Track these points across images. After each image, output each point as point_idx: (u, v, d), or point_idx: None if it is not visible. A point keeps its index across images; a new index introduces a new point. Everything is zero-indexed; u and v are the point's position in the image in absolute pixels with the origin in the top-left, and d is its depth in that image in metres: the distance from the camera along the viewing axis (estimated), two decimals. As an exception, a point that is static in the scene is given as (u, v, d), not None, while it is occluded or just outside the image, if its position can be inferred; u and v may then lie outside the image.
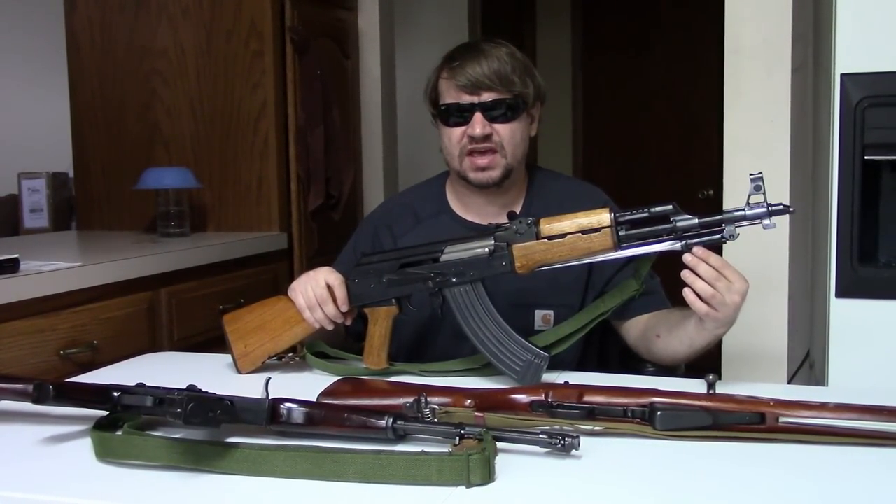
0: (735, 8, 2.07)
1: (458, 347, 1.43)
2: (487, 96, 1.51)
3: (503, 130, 1.53)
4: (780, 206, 1.20)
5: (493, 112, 1.52)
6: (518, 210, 1.60)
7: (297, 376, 1.44)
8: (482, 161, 1.53)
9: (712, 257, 1.25)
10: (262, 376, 1.12)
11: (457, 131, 1.54)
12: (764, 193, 1.20)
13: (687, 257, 1.25)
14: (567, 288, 1.56)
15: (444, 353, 1.47)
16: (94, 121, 2.94)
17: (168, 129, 2.86)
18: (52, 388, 1.09)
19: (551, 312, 1.56)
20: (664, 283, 1.58)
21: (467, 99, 1.52)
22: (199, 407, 0.99)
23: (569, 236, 1.28)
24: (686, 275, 1.26)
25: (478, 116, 1.51)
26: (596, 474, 0.97)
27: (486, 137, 1.52)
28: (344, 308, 1.42)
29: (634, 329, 1.56)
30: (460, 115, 1.53)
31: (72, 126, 2.98)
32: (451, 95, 1.54)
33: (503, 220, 1.36)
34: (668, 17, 4.43)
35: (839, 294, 1.78)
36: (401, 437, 1.04)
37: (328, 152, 2.94)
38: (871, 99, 1.73)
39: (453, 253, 1.35)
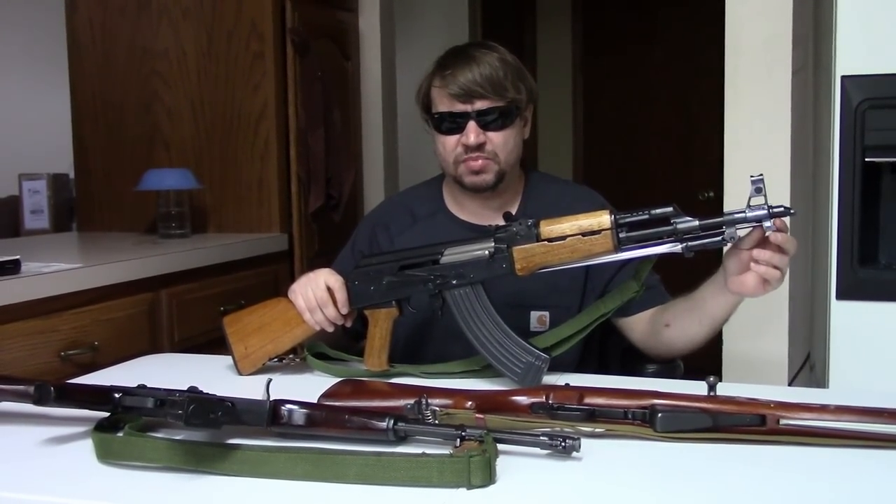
0: (735, 9, 2.08)
1: (454, 347, 1.43)
2: (480, 104, 1.51)
3: (497, 138, 1.52)
4: (781, 208, 1.20)
5: (487, 119, 1.51)
6: (514, 211, 1.60)
7: (297, 378, 1.44)
8: (476, 164, 1.53)
9: (790, 242, 1.25)
10: (263, 378, 1.12)
11: (451, 139, 1.54)
12: (765, 195, 1.19)
13: (777, 236, 1.23)
14: (564, 289, 1.56)
15: (440, 353, 1.47)
16: (95, 122, 2.94)
17: (169, 130, 2.86)
18: (52, 389, 1.09)
19: (547, 314, 1.56)
20: (663, 282, 1.58)
21: (460, 107, 1.52)
22: (200, 408, 0.99)
23: (569, 238, 1.27)
24: (760, 253, 1.25)
25: (471, 125, 1.51)
26: (596, 476, 0.97)
27: (480, 146, 1.52)
28: (344, 310, 1.42)
29: (639, 325, 1.56)
30: (454, 123, 1.53)
31: (72, 127, 2.98)
32: (443, 104, 1.54)
33: (499, 221, 1.35)
34: (669, 18, 4.43)
35: (840, 296, 1.78)
36: (402, 438, 1.04)
37: (328, 153, 2.94)
38: (871, 101, 1.74)
39: (453, 255, 1.35)
